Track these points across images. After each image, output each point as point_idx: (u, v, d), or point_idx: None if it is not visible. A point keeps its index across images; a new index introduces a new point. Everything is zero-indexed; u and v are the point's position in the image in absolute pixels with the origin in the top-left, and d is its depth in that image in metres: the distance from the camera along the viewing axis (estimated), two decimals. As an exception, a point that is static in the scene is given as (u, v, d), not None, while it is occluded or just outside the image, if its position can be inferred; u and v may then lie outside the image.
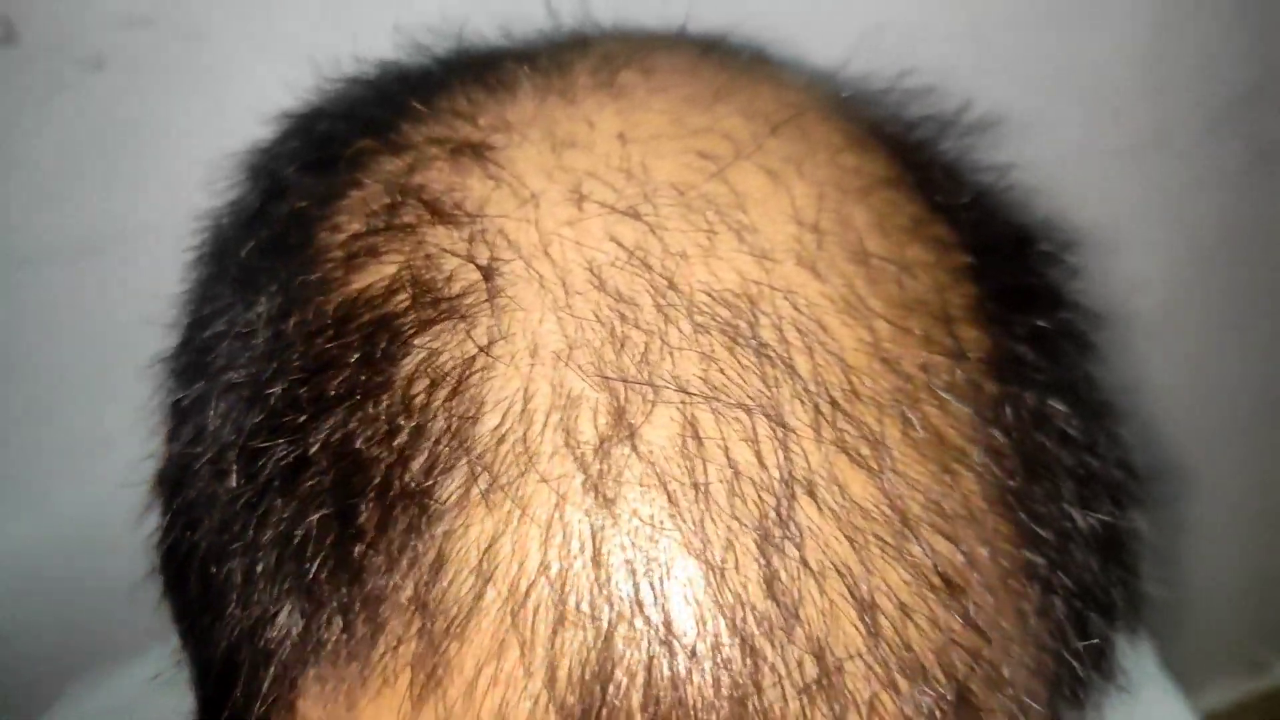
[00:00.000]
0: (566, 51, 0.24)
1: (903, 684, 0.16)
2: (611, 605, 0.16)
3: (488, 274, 0.18)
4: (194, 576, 0.20)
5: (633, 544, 0.16)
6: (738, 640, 0.16)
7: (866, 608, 0.16)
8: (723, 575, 0.16)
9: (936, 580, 0.17)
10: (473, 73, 0.23)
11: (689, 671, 0.16)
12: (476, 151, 0.20)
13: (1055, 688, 0.19)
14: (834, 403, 0.18)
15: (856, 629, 0.16)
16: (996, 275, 0.21)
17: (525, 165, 0.20)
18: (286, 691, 0.18)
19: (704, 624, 0.16)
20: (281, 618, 0.18)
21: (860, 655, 0.16)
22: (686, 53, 0.24)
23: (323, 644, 0.18)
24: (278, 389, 0.19)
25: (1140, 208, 0.62)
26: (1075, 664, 0.20)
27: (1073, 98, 0.56)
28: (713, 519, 0.17)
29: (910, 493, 0.17)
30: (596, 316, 0.18)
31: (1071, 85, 0.56)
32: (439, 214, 0.19)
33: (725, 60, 0.24)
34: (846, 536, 0.17)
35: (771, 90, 0.23)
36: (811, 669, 0.16)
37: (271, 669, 0.18)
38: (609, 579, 0.16)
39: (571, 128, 0.21)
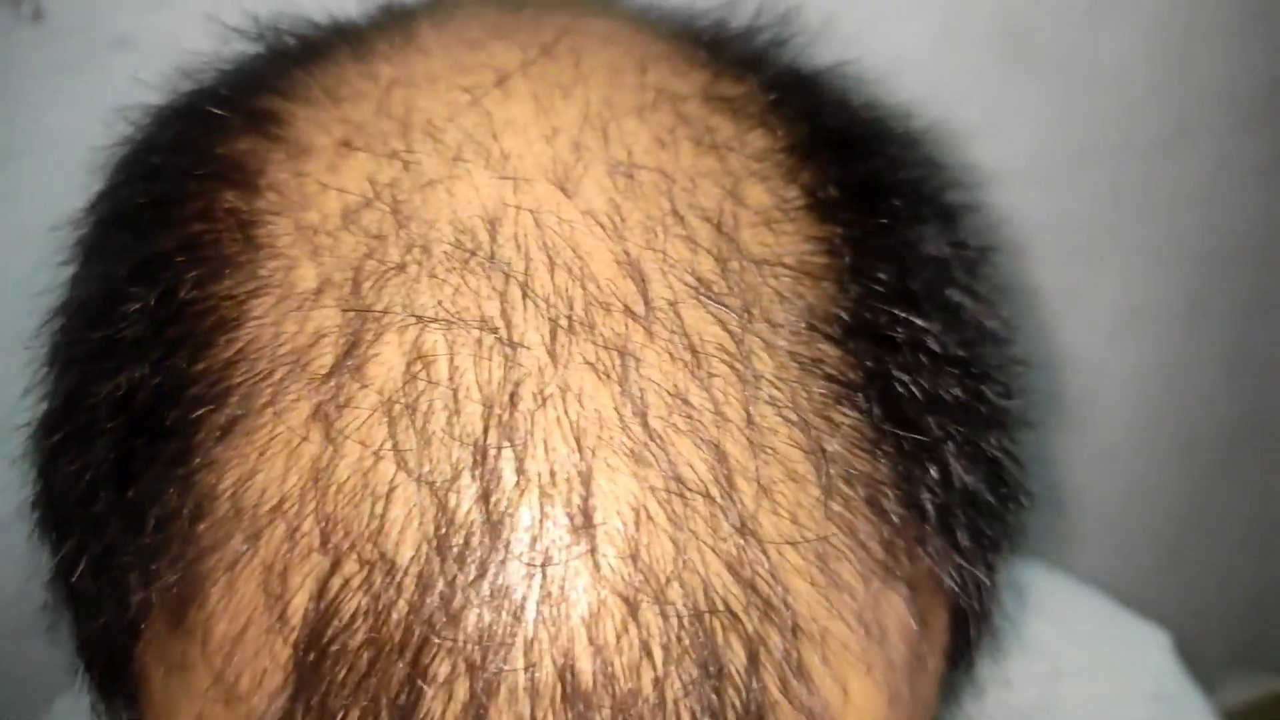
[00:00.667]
0: (384, 17, 0.25)
1: (634, 591, 0.16)
2: (344, 533, 0.17)
3: (247, 228, 0.20)
4: (46, 531, 0.22)
5: (357, 471, 0.17)
6: (445, 557, 0.16)
7: (584, 512, 0.17)
8: (438, 493, 0.17)
9: (678, 483, 0.17)
10: (297, 54, 0.24)
11: (401, 590, 0.16)
12: (267, 117, 0.22)
13: (880, 613, 0.19)
14: (572, 315, 0.18)
15: (572, 533, 0.17)
16: (819, 173, 0.21)
17: (305, 123, 0.21)
18: (115, 642, 0.20)
19: (418, 545, 0.17)
20: (81, 564, 0.19)
21: (573, 559, 0.17)
22: (497, 7, 0.25)
23: (119, 589, 0.19)
24: (90, 346, 0.20)
25: (1166, 202, 0.62)
26: (926, 592, 0.20)
27: (1098, 91, 0.56)
28: (433, 439, 0.17)
29: (657, 399, 0.17)
30: (344, 255, 0.19)
31: (1097, 78, 0.56)
32: (223, 178, 0.21)
33: (539, 9, 0.25)
34: (574, 444, 0.17)
35: (560, 20, 0.23)
36: (519, 575, 0.16)
37: (87, 617, 0.20)
38: (334, 507, 0.17)
39: (355, 83, 0.22)
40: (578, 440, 0.17)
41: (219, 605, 0.18)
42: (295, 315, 0.19)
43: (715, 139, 0.21)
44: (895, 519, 0.19)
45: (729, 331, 0.18)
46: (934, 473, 0.20)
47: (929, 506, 0.20)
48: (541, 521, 0.17)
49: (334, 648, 0.17)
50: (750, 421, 0.18)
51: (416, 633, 0.16)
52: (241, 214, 0.20)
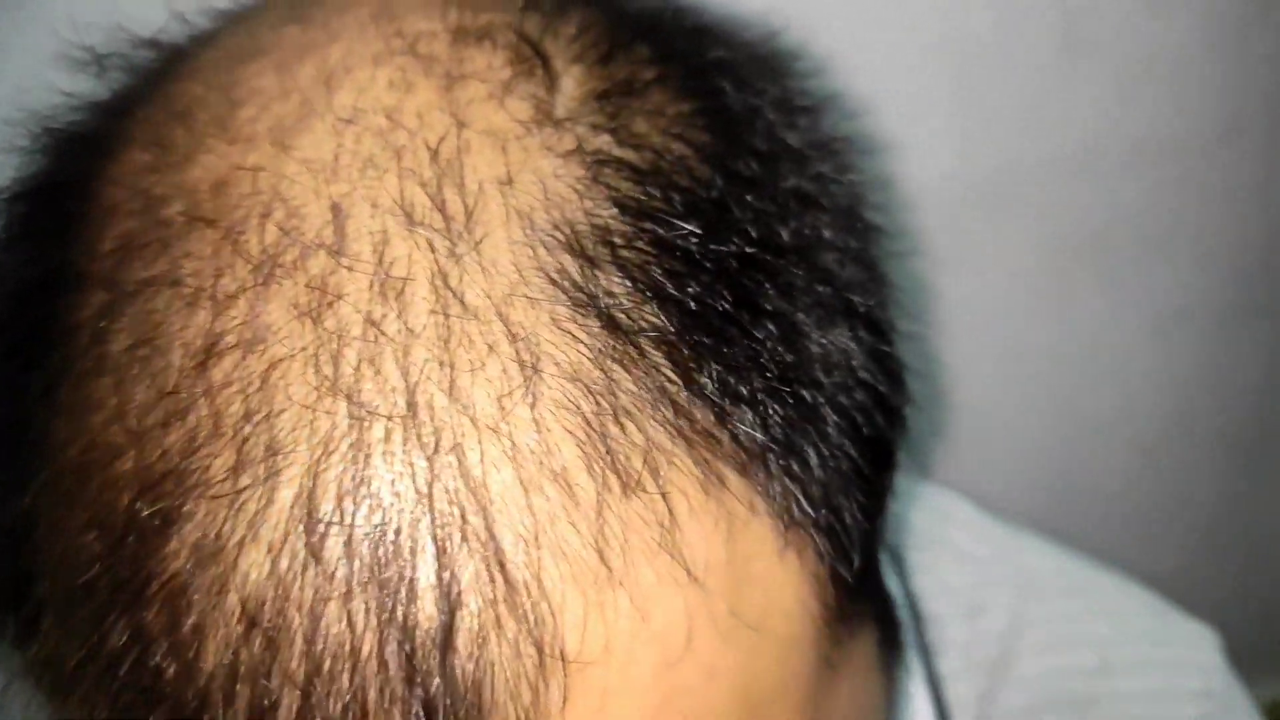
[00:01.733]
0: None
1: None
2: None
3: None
4: None
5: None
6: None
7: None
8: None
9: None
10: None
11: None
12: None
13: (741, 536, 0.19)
14: (277, 266, 0.19)
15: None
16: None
17: None
18: None
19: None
20: None
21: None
22: None
23: None
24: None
25: (1216, 200, 0.61)
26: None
27: (1152, 85, 0.55)
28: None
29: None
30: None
31: (1151, 72, 0.55)
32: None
33: None
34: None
35: None
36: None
37: None
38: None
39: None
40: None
41: None
42: None
43: (461, 70, 0.21)
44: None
45: (436, 259, 0.18)
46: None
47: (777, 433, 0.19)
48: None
49: None
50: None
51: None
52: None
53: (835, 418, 0.20)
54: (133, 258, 0.19)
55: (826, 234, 0.22)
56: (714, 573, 0.18)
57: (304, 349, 0.18)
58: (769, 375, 0.19)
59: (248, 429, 0.17)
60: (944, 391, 0.59)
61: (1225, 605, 0.71)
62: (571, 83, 0.21)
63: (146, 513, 0.18)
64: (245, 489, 0.17)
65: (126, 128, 0.22)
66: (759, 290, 0.20)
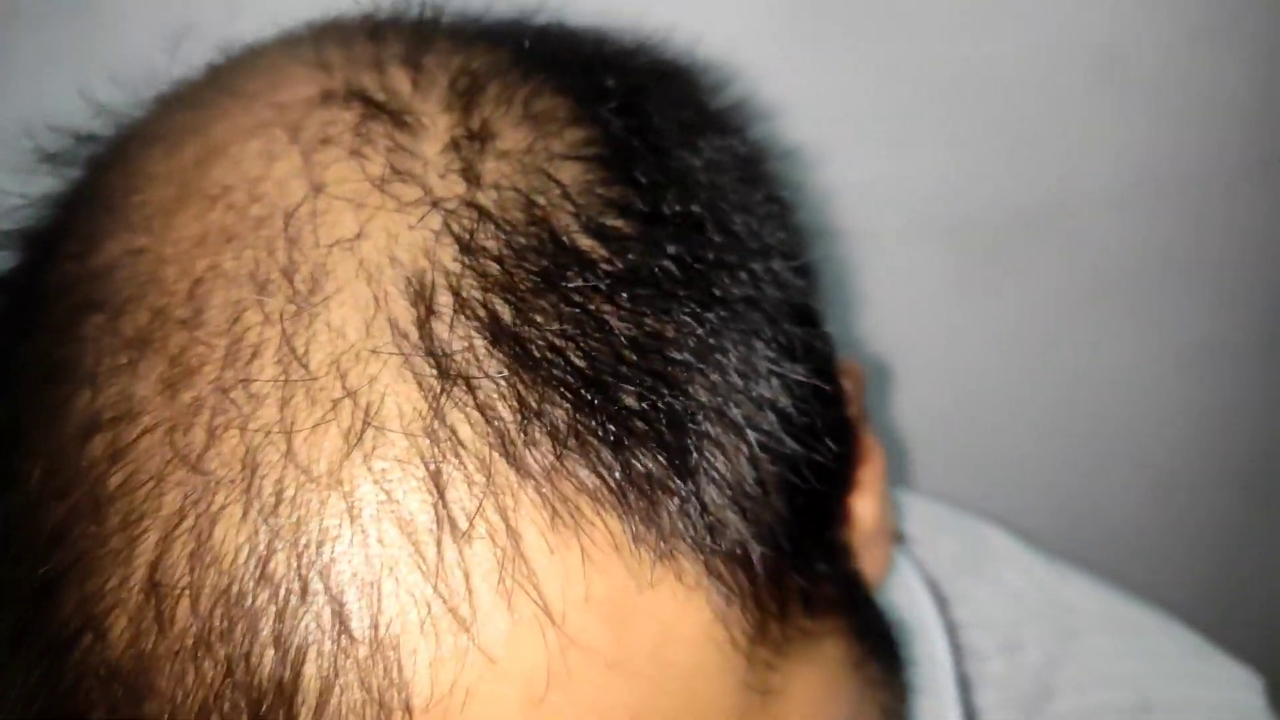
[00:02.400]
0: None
1: None
2: None
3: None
4: None
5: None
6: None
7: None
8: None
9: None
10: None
11: None
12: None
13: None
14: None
15: None
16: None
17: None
18: None
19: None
20: None
21: None
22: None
23: None
24: None
25: (1245, 234, 0.61)
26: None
27: (1186, 119, 0.55)
28: None
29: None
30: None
31: (1187, 106, 0.55)
32: None
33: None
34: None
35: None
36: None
37: None
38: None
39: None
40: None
41: None
42: None
43: (324, 133, 0.22)
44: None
45: (283, 325, 0.19)
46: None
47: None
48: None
49: None
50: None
51: None
52: None
53: (721, 447, 0.20)
54: (50, 346, 0.21)
55: (718, 256, 0.22)
56: (577, 608, 0.18)
57: (164, 421, 0.19)
58: (629, 410, 0.19)
59: (116, 501, 0.18)
60: (957, 410, 0.59)
61: (1240, 640, 0.70)
62: (434, 134, 0.21)
63: (40, 576, 0.19)
64: (111, 556, 0.18)
65: (65, 221, 0.23)
66: (622, 324, 0.20)
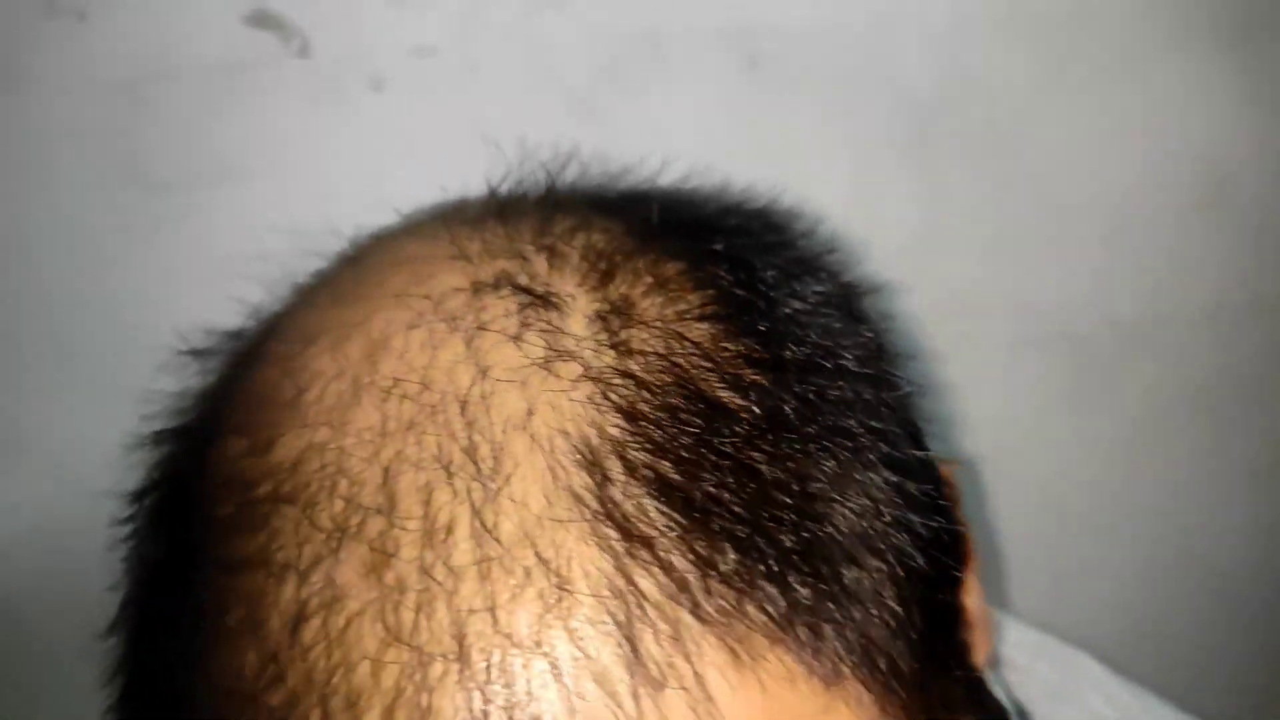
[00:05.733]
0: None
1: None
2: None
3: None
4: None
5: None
6: None
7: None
8: None
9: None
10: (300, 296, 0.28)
11: None
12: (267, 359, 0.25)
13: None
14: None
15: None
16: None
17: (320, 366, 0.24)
18: None
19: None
20: None
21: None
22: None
23: None
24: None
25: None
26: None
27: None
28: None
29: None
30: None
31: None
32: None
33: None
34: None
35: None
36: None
37: None
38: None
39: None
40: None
41: None
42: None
43: (480, 320, 0.23)
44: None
45: (472, 502, 0.21)
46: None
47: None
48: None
49: None
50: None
51: None
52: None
53: (866, 571, 0.21)
54: (234, 538, 0.22)
55: (838, 392, 0.23)
56: None
57: (372, 603, 0.20)
58: (787, 548, 0.20)
59: (333, 682, 0.20)
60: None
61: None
62: (578, 310, 0.23)
63: None
64: None
65: (223, 415, 0.25)
66: (769, 468, 0.21)
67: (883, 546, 0.22)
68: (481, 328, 0.23)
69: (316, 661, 0.20)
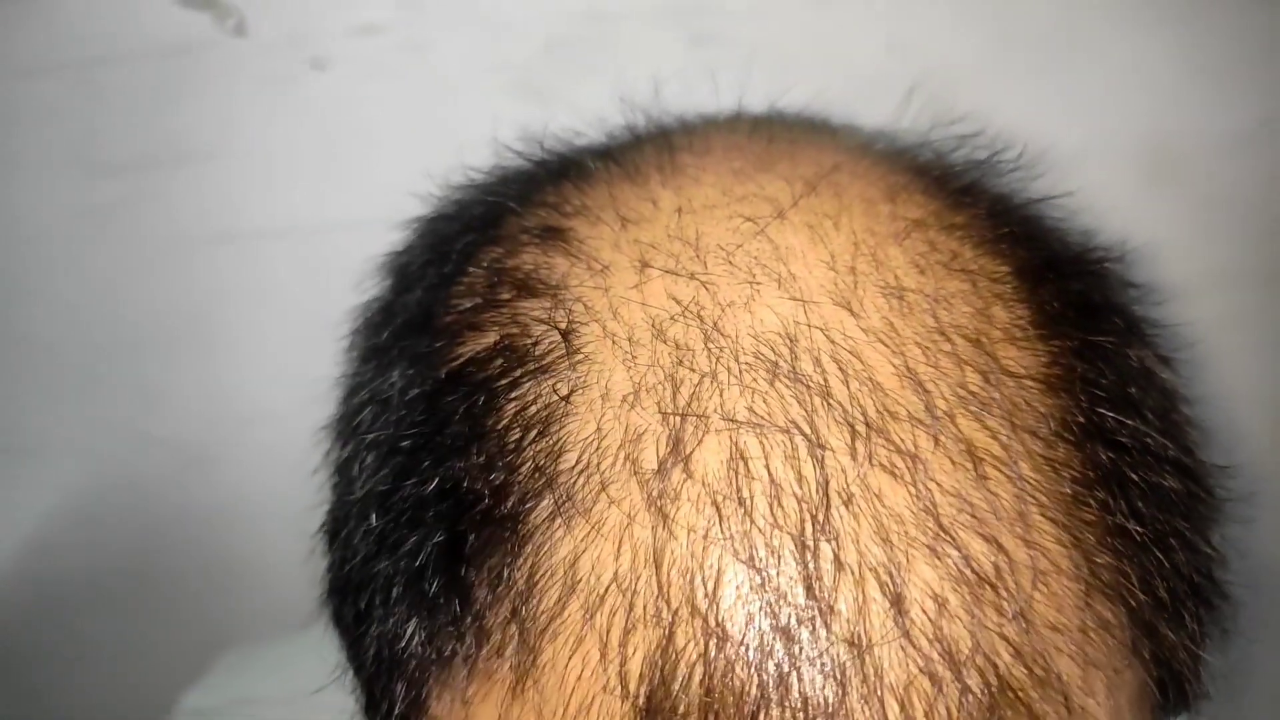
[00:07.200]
0: (634, 142, 0.28)
1: (939, 670, 0.18)
2: (670, 607, 0.19)
3: (566, 335, 0.22)
4: (348, 603, 0.24)
5: (689, 553, 0.19)
6: (778, 632, 0.19)
7: (897, 600, 0.19)
8: (765, 576, 0.19)
9: (970, 574, 0.19)
10: (559, 169, 0.27)
11: (737, 659, 0.18)
12: (558, 234, 0.24)
13: (1121, 690, 0.21)
14: (868, 422, 0.20)
15: (888, 618, 0.19)
16: (1047, 295, 0.24)
17: (598, 242, 0.24)
18: (419, 696, 0.22)
19: (750, 620, 0.19)
20: (409, 632, 0.22)
21: (891, 641, 0.18)
22: (737, 130, 0.28)
23: (441, 654, 0.21)
24: (406, 443, 0.23)
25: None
26: (1151, 670, 0.22)
27: (1236, 218, 0.56)
28: (757, 528, 0.19)
29: (944, 499, 0.20)
30: (657, 363, 0.21)
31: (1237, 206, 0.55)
32: (527, 289, 0.23)
33: (773, 132, 0.28)
34: (880, 539, 0.19)
35: (811, 154, 0.26)
36: (845, 653, 0.18)
37: (405, 678, 0.22)
38: (668, 584, 0.19)
39: (637, 206, 0.24)
40: (883, 535, 0.19)
41: (556, 670, 0.20)
42: (614, 415, 0.21)
43: (961, 263, 0.23)
44: (1135, 605, 0.21)
45: (998, 440, 0.20)
46: (1165, 562, 0.21)
47: (1163, 594, 0.21)
48: (862, 606, 0.19)
49: (674, 709, 0.19)
50: (1024, 520, 0.20)
51: (754, 696, 0.18)
52: (555, 322, 0.22)
53: (1210, 612, 0.23)
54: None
55: (1177, 454, 0.24)
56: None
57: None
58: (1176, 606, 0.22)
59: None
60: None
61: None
62: (1059, 307, 0.23)
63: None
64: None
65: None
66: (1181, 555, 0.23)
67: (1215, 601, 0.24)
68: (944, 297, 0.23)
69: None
